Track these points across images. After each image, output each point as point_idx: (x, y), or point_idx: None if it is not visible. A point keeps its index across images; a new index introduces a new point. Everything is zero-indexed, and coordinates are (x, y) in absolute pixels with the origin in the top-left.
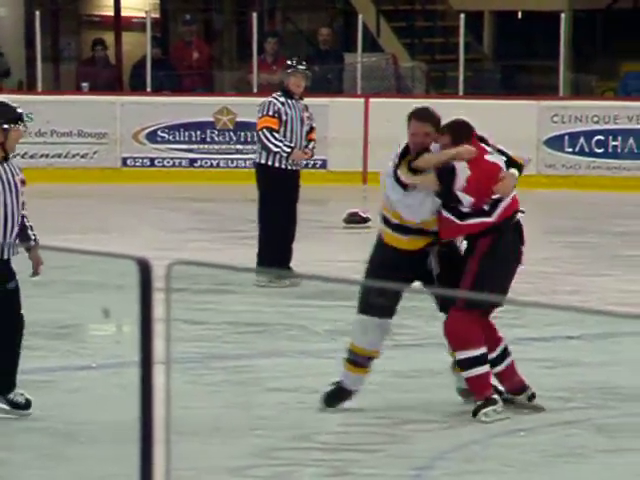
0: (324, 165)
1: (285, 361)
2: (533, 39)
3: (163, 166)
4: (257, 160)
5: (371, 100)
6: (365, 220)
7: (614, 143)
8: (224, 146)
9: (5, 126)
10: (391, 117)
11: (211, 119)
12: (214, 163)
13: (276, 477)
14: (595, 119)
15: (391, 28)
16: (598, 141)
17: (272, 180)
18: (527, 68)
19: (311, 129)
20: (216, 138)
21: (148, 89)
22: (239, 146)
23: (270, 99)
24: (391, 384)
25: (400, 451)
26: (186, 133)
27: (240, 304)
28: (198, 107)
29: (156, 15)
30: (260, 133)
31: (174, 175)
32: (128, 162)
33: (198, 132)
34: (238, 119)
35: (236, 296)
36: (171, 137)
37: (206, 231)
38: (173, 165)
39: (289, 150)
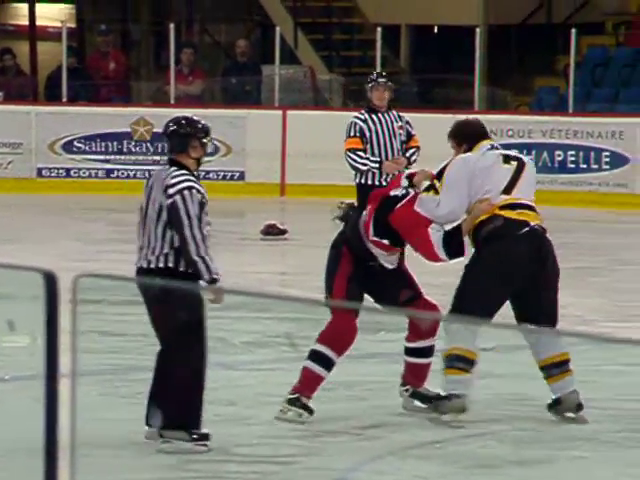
0: (242, 177)
1: None
2: (449, 53)
3: (79, 177)
4: (356, 180)
5: (289, 112)
6: (282, 232)
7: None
8: (141, 157)
9: (204, 140)
10: (309, 129)
11: (128, 130)
12: (131, 174)
13: None
14: (510, 133)
15: (309, 41)
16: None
17: (363, 197)
18: (443, 82)
19: (409, 137)
20: (133, 149)
21: (64, 99)
22: (156, 157)
23: (352, 119)
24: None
25: (316, 463)
26: (102, 144)
27: None
28: (115, 117)
29: (72, 25)
30: (345, 156)
31: (90, 186)
32: (44, 172)
33: (115, 143)
34: (155, 130)
35: None
36: (87, 147)
37: (123, 242)
38: (89, 176)
39: (376, 165)
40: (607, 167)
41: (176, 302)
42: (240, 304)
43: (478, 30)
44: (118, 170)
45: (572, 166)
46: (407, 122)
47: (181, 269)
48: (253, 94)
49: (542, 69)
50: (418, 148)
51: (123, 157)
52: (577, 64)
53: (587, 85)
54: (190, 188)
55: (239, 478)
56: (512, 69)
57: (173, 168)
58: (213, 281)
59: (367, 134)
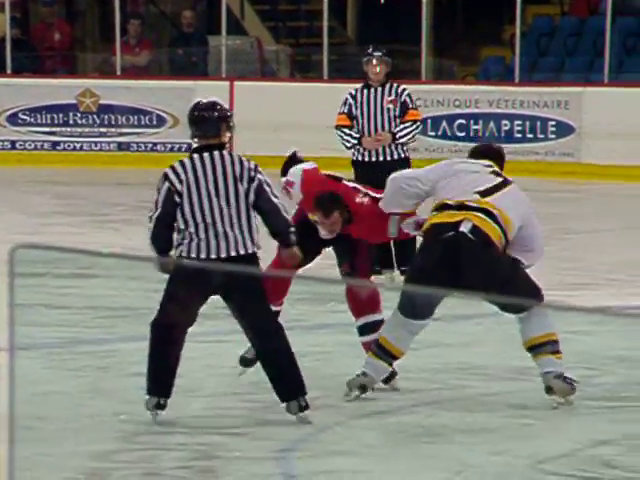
0: (189, 149)
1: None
2: (396, 24)
3: (25, 149)
4: (352, 157)
5: (236, 83)
6: None
7: (475, 127)
8: (87, 129)
9: (231, 124)
10: (257, 100)
11: (74, 101)
12: (77, 146)
13: (140, 461)
14: (457, 103)
15: (255, 11)
16: (460, 125)
17: (357, 174)
18: (390, 52)
19: (405, 112)
20: (79, 121)
21: (8, 70)
22: (102, 129)
23: (346, 95)
24: (255, 367)
25: (263, 434)
26: (48, 116)
27: (104, 288)
28: (60, 89)
29: None
30: (335, 132)
31: (36, 158)
32: None
33: (60, 115)
34: (101, 101)
35: (99, 280)
36: (33, 119)
37: (69, 215)
38: (35, 148)
39: (356, 141)
40: (553, 136)
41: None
42: None
43: (424, 0)
44: (64, 142)
45: (519, 136)
46: (408, 95)
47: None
48: (200, 65)
49: (488, 39)
50: (414, 122)
51: (69, 129)
52: (523, 34)
53: (533, 55)
54: (257, 166)
55: (186, 449)
56: (458, 39)
57: (220, 152)
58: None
59: (354, 110)
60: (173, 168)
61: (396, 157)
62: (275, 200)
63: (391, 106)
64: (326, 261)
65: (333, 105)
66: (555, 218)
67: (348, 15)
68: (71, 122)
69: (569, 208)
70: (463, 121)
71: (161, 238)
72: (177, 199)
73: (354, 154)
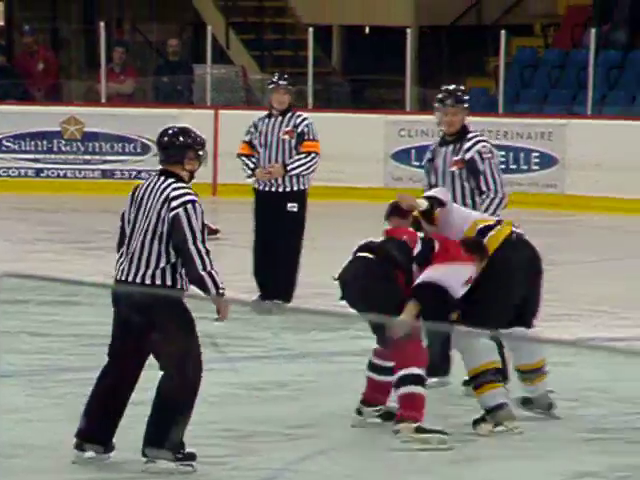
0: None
1: None
2: (381, 54)
3: (8, 176)
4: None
5: (221, 112)
6: (214, 232)
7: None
8: (71, 156)
9: (200, 153)
10: (241, 129)
11: (58, 129)
12: (61, 173)
13: None
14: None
15: (240, 40)
16: None
17: (256, 201)
18: (375, 82)
19: (300, 142)
20: (63, 148)
21: None
22: (87, 156)
23: (251, 122)
24: (238, 396)
25: (246, 463)
26: (32, 142)
27: (86, 316)
28: (45, 116)
29: (0, 23)
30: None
31: (20, 185)
32: None
33: (45, 142)
34: (86, 129)
35: (82, 308)
36: (17, 147)
37: (53, 242)
38: (19, 175)
39: (250, 172)
40: (536, 167)
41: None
42: None
43: (409, 31)
44: (48, 169)
45: (502, 167)
46: (307, 125)
47: (178, 286)
48: (185, 93)
49: (472, 70)
50: (309, 154)
51: (53, 156)
52: (507, 65)
53: (516, 86)
54: (193, 202)
55: (170, 478)
56: (443, 70)
57: (171, 180)
58: (220, 295)
59: (255, 140)
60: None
61: (288, 189)
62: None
63: (287, 137)
64: (310, 290)
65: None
66: (538, 249)
67: (333, 45)
68: (55, 149)
69: (552, 239)
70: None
71: None
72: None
73: (255, 181)
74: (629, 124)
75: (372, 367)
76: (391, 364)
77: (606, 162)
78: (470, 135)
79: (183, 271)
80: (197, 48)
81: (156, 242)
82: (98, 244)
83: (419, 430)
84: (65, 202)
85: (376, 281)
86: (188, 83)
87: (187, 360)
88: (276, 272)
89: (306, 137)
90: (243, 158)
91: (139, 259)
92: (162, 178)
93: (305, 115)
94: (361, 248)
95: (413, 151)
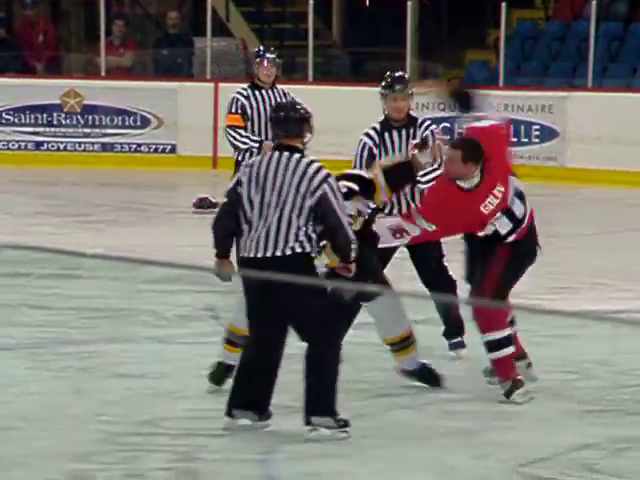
0: (173, 150)
1: (132, 347)
2: (381, 26)
3: (8, 149)
4: (234, 156)
5: (220, 85)
6: (215, 205)
7: (460, 130)
8: (71, 129)
9: (312, 124)
10: None
11: (58, 102)
12: (61, 146)
13: (122, 463)
14: (441, 107)
15: (240, 13)
16: (444, 128)
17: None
18: (375, 55)
19: None
20: (63, 121)
21: None
22: (87, 129)
23: (234, 94)
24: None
25: (246, 436)
26: (32, 116)
27: (87, 289)
28: (45, 89)
29: None
30: (225, 133)
31: (20, 158)
32: None
33: (44, 115)
34: (85, 102)
35: (83, 281)
36: (17, 119)
37: (52, 215)
38: (19, 148)
39: (256, 145)
40: (537, 140)
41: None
42: (172, 277)
43: (409, 3)
44: (48, 142)
45: None
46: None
47: (312, 255)
48: (184, 66)
49: (473, 42)
50: None
51: (53, 129)
52: (507, 38)
53: (517, 59)
54: (329, 174)
55: (169, 451)
56: (443, 42)
57: (297, 154)
58: (352, 262)
59: (249, 111)
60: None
61: None
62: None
63: None
64: None
65: (318, 107)
66: (538, 222)
67: (333, 17)
68: (55, 122)
69: (552, 212)
70: (447, 124)
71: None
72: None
73: (240, 155)
74: (630, 96)
75: None
76: None
77: (607, 135)
78: (421, 120)
79: (314, 242)
80: (197, 21)
81: (295, 216)
82: (97, 217)
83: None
84: (65, 175)
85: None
86: (188, 56)
87: (330, 326)
88: None
89: None
90: (239, 130)
91: (277, 233)
92: (286, 153)
93: (286, 87)
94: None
95: None
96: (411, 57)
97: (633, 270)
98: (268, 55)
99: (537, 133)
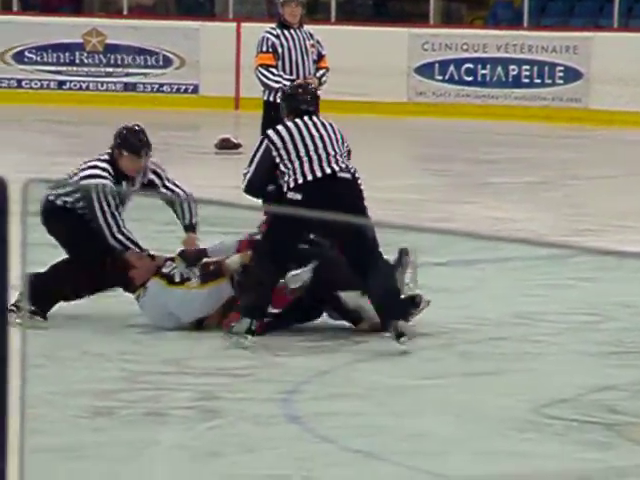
0: (196, 90)
1: None
2: None
3: (30, 88)
4: (264, 97)
5: (243, 24)
6: (237, 146)
7: (483, 72)
8: (93, 68)
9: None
10: None
11: (80, 41)
12: (83, 86)
13: (144, 401)
14: (465, 47)
15: None
16: (467, 69)
17: (271, 116)
18: None
19: (320, 57)
20: (85, 60)
21: (15, 8)
22: (109, 69)
23: (263, 34)
24: None
25: (268, 375)
26: (54, 54)
27: None
28: (67, 28)
29: None
30: (257, 72)
31: (42, 97)
32: None
33: (67, 54)
34: (108, 41)
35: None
36: (39, 58)
37: (75, 154)
38: (41, 87)
39: (287, 83)
40: (561, 82)
41: None
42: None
43: None
44: (70, 82)
45: (526, 81)
46: (317, 41)
47: None
48: (206, 6)
49: None
50: (327, 69)
51: (75, 68)
52: None
53: None
54: None
55: (190, 390)
56: None
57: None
58: None
59: (279, 50)
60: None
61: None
62: None
63: (313, 50)
64: None
65: (341, 47)
66: (561, 164)
67: None
68: (77, 61)
69: (575, 154)
70: (471, 65)
71: None
72: None
73: (271, 95)
74: None
75: None
76: None
77: (631, 76)
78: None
79: None
80: None
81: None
82: None
83: None
84: (87, 115)
85: None
86: None
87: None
88: None
89: (323, 52)
90: (271, 69)
91: (335, 155)
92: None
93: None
94: None
95: (437, 65)
96: None
97: None
98: None
99: (561, 74)
